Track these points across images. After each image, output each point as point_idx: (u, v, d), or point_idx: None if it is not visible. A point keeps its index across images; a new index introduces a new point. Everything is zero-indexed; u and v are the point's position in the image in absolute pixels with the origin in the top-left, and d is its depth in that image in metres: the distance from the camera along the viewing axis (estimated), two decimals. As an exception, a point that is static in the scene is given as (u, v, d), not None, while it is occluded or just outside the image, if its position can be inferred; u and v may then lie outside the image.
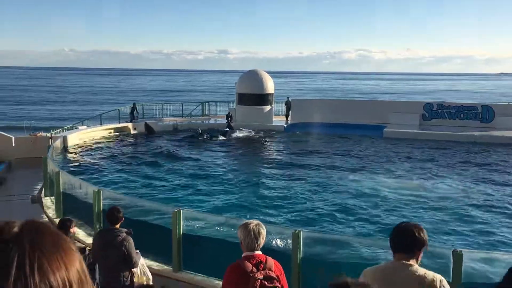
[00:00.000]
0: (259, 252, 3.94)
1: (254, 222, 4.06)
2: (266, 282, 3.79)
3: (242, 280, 3.81)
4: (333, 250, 8.45)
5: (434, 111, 30.12)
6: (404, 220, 13.24)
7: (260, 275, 3.80)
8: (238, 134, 27.56)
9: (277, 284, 3.81)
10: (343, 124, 29.09)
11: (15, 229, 0.79)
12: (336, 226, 12.89)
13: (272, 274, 3.83)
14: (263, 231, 3.99)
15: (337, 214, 13.86)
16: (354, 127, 28.77)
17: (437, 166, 20.58)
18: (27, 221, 0.83)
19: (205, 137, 26.28)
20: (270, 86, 30.98)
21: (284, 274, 3.98)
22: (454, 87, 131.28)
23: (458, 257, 6.43)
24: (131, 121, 28.36)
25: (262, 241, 3.95)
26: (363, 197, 15.58)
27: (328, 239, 8.97)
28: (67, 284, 0.78)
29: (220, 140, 26.20)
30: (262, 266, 3.84)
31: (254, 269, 3.82)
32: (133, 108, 29.03)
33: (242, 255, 3.95)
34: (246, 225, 3.99)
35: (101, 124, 27.01)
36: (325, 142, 26.13)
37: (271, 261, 3.93)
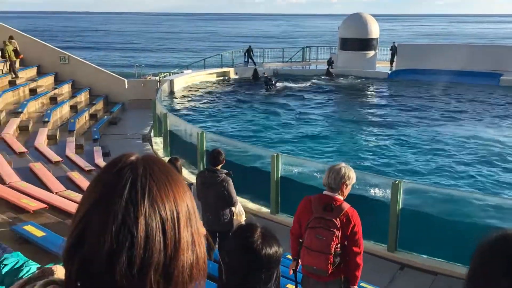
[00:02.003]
0: (337, 196, 3.82)
1: (342, 164, 3.95)
2: (323, 223, 3.72)
3: (305, 213, 3.87)
4: (436, 203, 8.12)
5: None
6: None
7: (321, 215, 3.74)
8: (280, 84, 25.71)
9: (333, 230, 3.69)
10: (454, 71, 26.68)
11: (132, 158, 0.84)
12: (440, 179, 12.32)
13: (336, 221, 3.69)
14: (347, 174, 3.81)
15: (441, 167, 13.21)
16: (466, 74, 26.42)
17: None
18: (144, 154, 0.87)
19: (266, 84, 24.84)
20: (374, 30, 29.48)
21: (358, 224, 3.77)
22: None
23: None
24: (247, 64, 29.44)
25: (343, 184, 3.80)
26: (471, 151, 14.63)
27: (430, 191, 8.62)
28: (175, 214, 0.80)
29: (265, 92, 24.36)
30: (329, 208, 3.75)
31: (320, 209, 3.77)
32: (249, 51, 29.78)
33: (321, 193, 3.91)
34: (333, 166, 3.95)
35: (204, 68, 27.86)
36: (432, 90, 24.60)
37: (343, 207, 3.76)
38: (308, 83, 26.67)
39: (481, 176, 12.52)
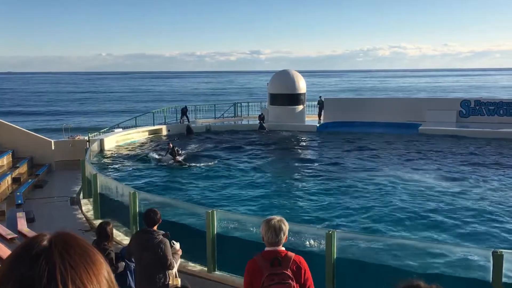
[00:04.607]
0: (280, 248, 3.91)
1: (276, 217, 4.03)
2: (276, 278, 3.75)
3: (254, 275, 3.86)
4: (369, 252, 8.33)
5: (472, 108, 29.29)
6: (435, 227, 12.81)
7: (272, 271, 3.78)
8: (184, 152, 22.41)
9: (289, 281, 3.75)
10: (377, 122, 28.70)
11: (45, 243, 0.78)
12: (374, 227, 12.69)
13: (288, 272, 3.76)
14: (285, 227, 3.94)
15: (373, 216, 13.66)
16: (388, 125, 28.32)
17: (474, 165, 20.00)
18: (56, 233, 0.82)
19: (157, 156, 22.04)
20: (302, 85, 30.86)
21: (307, 269, 3.89)
22: (494, 83, 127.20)
23: (497, 258, 6.26)
24: (182, 122, 29.51)
25: (283, 236, 3.92)
26: (399, 197, 15.30)
27: (364, 240, 8.84)
28: None
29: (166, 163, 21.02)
30: (277, 262, 3.81)
31: (268, 265, 3.81)
32: (184, 111, 29.89)
33: (263, 250, 3.95)
34: (268, 220, 3.99)
35: (135, 126, 27.53)
36: (358, 141, 25.80)
37: (289, 256, 3.86)
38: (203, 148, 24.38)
39: (410, 220, 13.06)
